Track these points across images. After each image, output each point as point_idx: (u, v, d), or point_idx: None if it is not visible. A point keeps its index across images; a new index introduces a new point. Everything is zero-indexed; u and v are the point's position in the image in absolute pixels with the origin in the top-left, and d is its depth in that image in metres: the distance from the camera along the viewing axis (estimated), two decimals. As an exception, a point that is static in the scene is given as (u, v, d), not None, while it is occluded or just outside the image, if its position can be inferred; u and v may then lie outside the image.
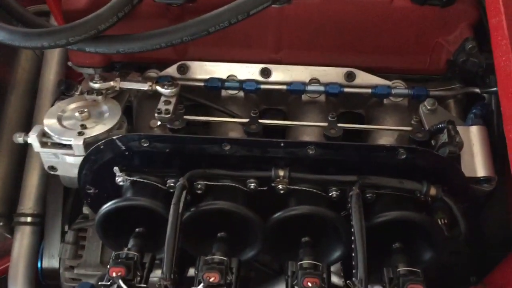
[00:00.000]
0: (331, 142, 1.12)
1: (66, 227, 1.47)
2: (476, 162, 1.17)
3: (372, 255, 0.97)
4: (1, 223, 1.49)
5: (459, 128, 1.15)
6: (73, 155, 1.15)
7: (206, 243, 1.09)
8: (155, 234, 1.11)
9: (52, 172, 1.24)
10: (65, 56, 1.66)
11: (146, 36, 1.17)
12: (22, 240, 1.47)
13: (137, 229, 1.09)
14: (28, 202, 1.50)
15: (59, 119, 1.18)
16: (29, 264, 1.46)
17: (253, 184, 1.09)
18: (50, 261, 1.44)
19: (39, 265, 1.45)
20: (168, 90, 1.23)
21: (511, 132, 0.96)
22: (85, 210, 1.42)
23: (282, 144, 1.07)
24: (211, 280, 0.93)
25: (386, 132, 1.26)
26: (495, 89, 1.23)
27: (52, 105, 1.31)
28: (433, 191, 1.06)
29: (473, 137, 1.19)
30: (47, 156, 1.19)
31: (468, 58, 1.23)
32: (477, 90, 1.30)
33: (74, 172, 1.20)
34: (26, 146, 1.53)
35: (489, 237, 1.34)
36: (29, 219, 1.48)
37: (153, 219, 1.13)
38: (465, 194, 1.12)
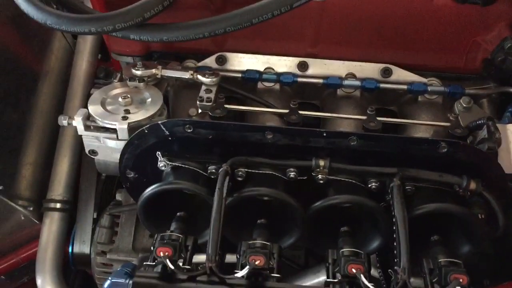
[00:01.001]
0: (373, 133, 1.13)
1: (95, 214, 1.49)
2: (514, 160, 1.18)
3: (411, 247, 0.98)
4: (30, 208, 1.50)
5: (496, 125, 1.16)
6: (116, 139, 1.17)
7: (246, 230, 1.10)
8: (195, 219, 1.13)
9: (92, 156, 1.25)
10: (97, 47, 1.68)
11: (190, 26, 1.19)
12: (51, 225, 1.48)
13: (178, 213, 1.11)
14: (58, 188, 1.51)
15: (103, 104, 1.20)
16: (57, 249, 1.47)
17: (293, 173, 1.10)
18: (81, 247, 1.45)
19: (70, 250, 1.47)
20: (210, 79, 1.25)
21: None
22: (118, 196, 1.44)
23: (324, 134, 1.08)
24: (256, 263, 0.94)
25: (422, 128, 1.27)
26: (532, 88, 1.25)
27: (89, 93, 1.33)
28: (473, 185, 1.07)
29: (510, 134, 1.20)
30: (89, 139, 1.21)
31: (506, 57, 1.24)
32: (512, 89, 1.31)
33: (114, 157, 1.22)
34: (57, 134, 1.56)
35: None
36: (58, 205, 1.49)
37: (193, 204, 1.15)
38: (503, 190, 1.12)
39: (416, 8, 1.26)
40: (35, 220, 1.52)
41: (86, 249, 1.46)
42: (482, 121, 1.16)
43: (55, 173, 1.52)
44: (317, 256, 1.33)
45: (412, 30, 1.30)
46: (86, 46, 1.67)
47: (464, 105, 1.27)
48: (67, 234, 1.49)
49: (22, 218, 1.49)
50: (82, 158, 1.50)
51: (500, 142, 1.14)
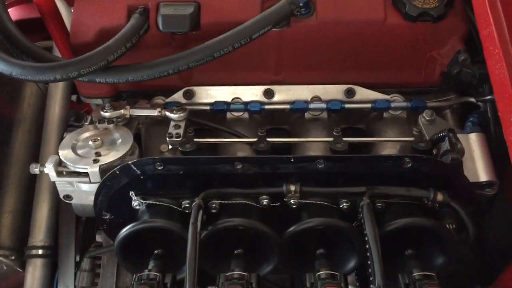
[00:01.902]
0: (339, 155, 1.16)
1: (78, 257, 1.49)
2: (478, 168, 1.21)
3: (386, 263, 1.00)
4: (12, 257, 1.49)
5: (458, 136, 1.20)
6: (89, 182, 1.18)
7: (223, 261, 1.11)
8: (173, 255, 1.14)
9: (67, 201, 1.26)
10: (69, 90, 1.70)
11: (154, 64, 1.22)
12: (34, 272, 1.48)
13: (156, 251, 1.12)
14: (39, 234, 1.51)
15: (73, 149, 1.21)
16: None
17: (265, 201, 1.12)
18: (65, 291, 1.45)
19: (54, 296, 1.46)
20: (177, 115, 1.27)
21: (511, 135, 1.01)
22: (98, 238, 1.44)
23: (292, 160, 1.11)
24: (234, 294, 0.95)
25: (389, 144, 1.30)
26: (489, 97, 1.29)
27: (62, 137, 1.34)
28: (440, 197, 1.10)
29: (473, 143, 1.24)
30: (63, 185, 1.22)
31: (462, 69, 1.28)
32: (472, 99, 1.35)
33: (89, 200, 1.23)
34: (34, 180, 1.56)
35: (493, 243, 1.38)
36: (40, 251, 1.48)
37: (170, 241, 1.16)
38: (470, 199, 1.15)
39: (370, 30, 1.30)
40: (18, 269, 1.51)
41: (71, 293, 1.45)
42: (443, 133, 1.19)
43: (34, 219, 1.52)
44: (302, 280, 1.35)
45: (370, 50, 1.34)
46: (57, 90, 1.68)
47: (427, 118, 1.30)
48: (51, 280, 1.49)
49: (4, 268, 1.48)
50: (61, 203, 1.51)
51: (463, 152, 1.17)
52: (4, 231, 1.51)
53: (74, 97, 1.74)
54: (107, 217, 1.20)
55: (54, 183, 1.48)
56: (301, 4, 1.25)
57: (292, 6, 1.24)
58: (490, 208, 1.32)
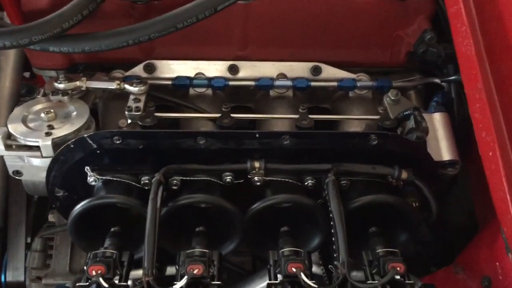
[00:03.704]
0: (305, 131, 1.14)
1: (29, 239, 1.42)
2: (442, 147, 1.22)
3: (350, 241, 0.99)
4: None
5: (423, 115, 1.20)
6: (40, 156, 1.11)
7: (184, 240, 1.07)
8: (131, 233, 1.09)
9: (17, 177, 1.19)
10: (21, 64, 1.61)
11: (113, 34, 1.16)
12: (-18, 254, 1.40)
13: (112, 229, 1.06)
14: (-13, 214, 1.43)
15: (24, 121, 1.14)
16: None
17: (229, 177, 1.09)
18: (14, 274, 1.37)
19: (2, 278, 1.39)
20: (137, 88, 1.22)
21: (475, 112, 1.01)
22: (51, 218, 1.37)
23: (257, 135, 1.08)
24: (195, 272, 0.91)
25: (355, 123, 1.29)
26: (454, 77, 1.30)
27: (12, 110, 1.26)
28: (404, 174, 1.10)
29: (437, 123, 1.24)
30: (12, 160, 1.14)
31: (428, 48, 1.29)
32: (437, 80, 1.36)
33: (40, 176, 1.16)
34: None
35: (454, 224, 1.40)
36: (-12, 231, 1.41)
37: (128, 218, 1.11)
38: (433, 177, 1.16)
39: (338, 6, 1.28)
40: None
41: (20, 277, 1.38)
42: (409, 112, 1.19)
43: None
44: (265, 260, 1.32)
45: (337, 27, 1.32)
46: (8, 63, 1.58)
47: (392, 98, 1.30)
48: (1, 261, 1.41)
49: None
50: (10, 181, 1.42)
51: (427, 131, 1.17)
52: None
53: (27, 74, 1.65)
54: (60, 194, 1.13)
55: (3, 159, 1.40)
56: (268, -25, 1.22)
57: (259, -23, 1.20)
58: (450, 189, 1.33)
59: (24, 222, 1.40)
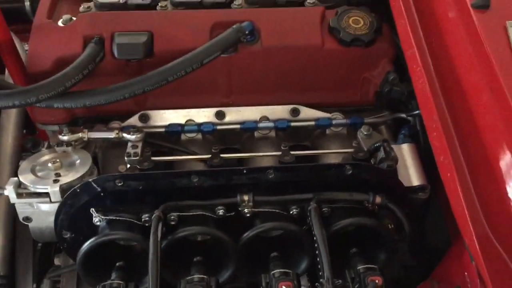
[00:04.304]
0: (288, 165, 1.27)
1: (34, 285, 1.50)
2: (411, 174, 1.35)
3: (334, 262, 1.09)
4: (-33, 288, 1.48)
5: (392, 146, 1.34)
6: (49, 202, 1.21)
7: (183, 270, 1.17)
8: (134, 269, 1.18)
9: (26, 223, 1.29)
10: (22, 121, 1.74)
11: (110, 89, 1.30)
12: (-10, 303, 1.47)
13: (117, 264, 1.16)
14: (-5, 264, 1.51)
15: (33, 171, 1.25)
16: None
17: (221, 211, 1.20)
18: (22, 319, 1.45)
19: (11, 324, 1.45)
20: (134, 136, 1.34)
21: (434, 139, 1.15)
22: (56, 261, 1.46)
23: (244, 171, 1.20)
24: (196, 294, 1.01)
25: (332, 156, 1.42)
26: (417, 111, 1.44)
27: (18, 165, 1.37)
28: (378, 199, 1.21)
29: (405, 153, 1.38)
30: (22, 207, 1.25)
31: (392, 87, 1.44)
32: (403, 115, 1.50)
33: (49, 221, 1.26)
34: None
35: (431, 244, 1.51)
36: (-4, 281, 1.48)
37: (130, 255, 1.21)
38: (405, 201, 1.28)
39: (310, 54, 1.44)
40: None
41: (28, 321, 1.45)
42: (379, 144, 1.33)
43: None
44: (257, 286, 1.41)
45: (311, 73, 1.47)
46: (10, 121, 1.71)
47: (365, 133, 1.43)
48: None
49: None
50: (17, 230, 1.51)
51: (397, 160, 1.30)
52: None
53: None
54: (68, 236, 1.23)
55: (8, 213, 1.50)
56: (246, 32, 1.38)
57: (238, 34, 1.36)
58: (426, 213, 1.46)
59: (31, 268, 1.48)
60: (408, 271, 1.48)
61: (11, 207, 1.45)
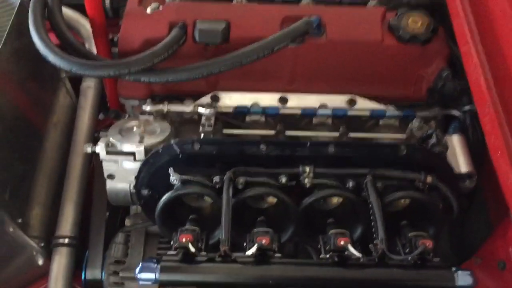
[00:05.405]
0: (347, 141, 1.39)
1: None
2: (460, 162, 1.45)
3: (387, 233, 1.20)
4: (42, 244, 1.65)
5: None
6: (133, 160, 1.38)
7: (247, 230, 1.29)
8: (204, 226, 1.32)
9: (109, 180, 1.45)
10: (98, 102, 1.94)
11: (191, 68, 1.46)
12: (61, 260, 1.62)
13: (190, 216, 1.30)
14: (66, 226, 1.67)
15: (120, 133, 1.42)
16: (67, 284, 1.60)
17: (284, 179, 1.33)
18: (93, 273, 1.60)
19: (83, 276, 1.61)
20: (208, 110, 1.50)
21: (487, 125, 1.24)
22: (127, 223, 1.61)
23: (308, 144, 1.33)
24: (263, 242, 1.14)
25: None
26: (467, 107, 1.54)
27: (98, 135, 1.54)
28: (429, 179, 1.31)
29: (455, 142, 1.48)
30: (109, 164, 1.41)
31: (445, 83, 1.55)
32: (454, 110, 1.60)
33: (130, 179, 1.42)
34: (63, 178, 1.74)
35: (474, 243, 1.59)
36: (67, 240, 1.64)
37: (201, 213, 1.34)
38: (453, 185, 1.38)
39: (371, 50, 1.56)
40: (40, 259, 1.65)
41: (98, 275, 1.60)
42: (431, 131, 1.44)
43: (62, 212, 1.69)
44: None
45: (370, 67, 1.58)
46: (87, 102, 1.92)
47: (417, 125, 1.54)
48: (75, 267, 1.64)
49: (34, 253, 1.62)
50: (93, 192, 1.69)
51: (447, 147, 1.41)
52: (35, 221, 1.67)
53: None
54: (146, 193, 1.38)
55: (81, 182, 1.68)
56: (314, 25, 1.52)
57: (307, 26, 1.51)
58: (470, 206, 1.54)
59: (104, 226, 1.64)
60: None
61: (85, 178, 1.66)
